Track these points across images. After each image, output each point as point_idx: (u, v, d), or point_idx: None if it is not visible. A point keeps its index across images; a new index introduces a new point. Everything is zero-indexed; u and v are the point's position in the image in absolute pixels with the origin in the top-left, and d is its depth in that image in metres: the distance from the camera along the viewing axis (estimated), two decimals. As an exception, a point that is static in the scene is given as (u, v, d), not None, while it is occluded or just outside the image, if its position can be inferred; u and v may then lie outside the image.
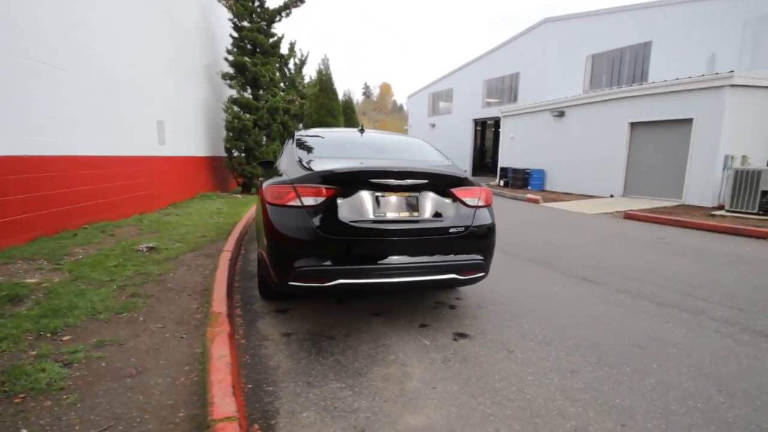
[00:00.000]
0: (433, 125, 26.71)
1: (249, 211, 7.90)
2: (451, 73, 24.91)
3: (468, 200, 2.86)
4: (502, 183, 16.97)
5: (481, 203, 2.92)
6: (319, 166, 2.73)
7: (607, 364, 2.49)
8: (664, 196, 11.99)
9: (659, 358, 2.59)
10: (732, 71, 10.78)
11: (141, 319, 2.80)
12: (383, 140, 3.89)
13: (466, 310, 3.33)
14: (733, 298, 3.80)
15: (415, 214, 2.72)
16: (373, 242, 2.61)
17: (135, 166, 6.75)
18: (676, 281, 4.30)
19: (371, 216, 2.63)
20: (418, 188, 2.73)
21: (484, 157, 25.09)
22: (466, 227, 2.80)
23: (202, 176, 9.86)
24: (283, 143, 15.14)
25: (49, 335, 2.43)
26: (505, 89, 21.61)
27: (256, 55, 10.19)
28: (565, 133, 15.15)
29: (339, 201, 2.59)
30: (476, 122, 23.79)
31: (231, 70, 10.18)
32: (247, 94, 10.26)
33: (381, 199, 2.66)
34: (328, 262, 2.56)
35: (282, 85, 11.22)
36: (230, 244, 4.88)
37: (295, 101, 11.27)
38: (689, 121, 11.39)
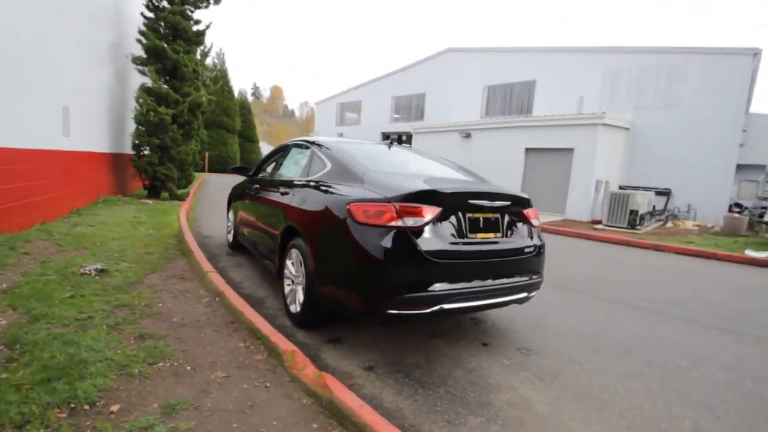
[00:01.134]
0: (341, 135, 26.69)
1: (180, 221, 6.77)
2: (361, 86, 25.40)
3: (533, 221, 2.99)
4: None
5: (539, 223, 3.08)
6: (411, 184, 2.54)
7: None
8: (552, 211, 14.18)
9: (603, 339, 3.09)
10: (604, 112, 13.47)
11: (188, 368, 2.18)
12: (418, 156, 3.77)
13: (493, 323, 3.44)
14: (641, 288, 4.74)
15: (498, 235, 2.73)
16: (471, 264, 2.53)
17: (33, 163, 5.19)
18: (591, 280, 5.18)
19: (466, 238, 2.55)
20: (501, 210, 2.75)
21: None
22: (536, 247, 2.92)
23: (104, 177, 8.07)
24: (201, 144, 13.25)
25: (87, 407, 1.72)
26: (413, 107, 22.94)
27: (177, 42, 8.83)
28: (471, 153, 16.77)
29: (441, 222, 2.45)
30: (384, 135, 24.64)
31: (143, 55, 8.62)
32: (165, 85, 8.81)
33: (472, 220, 2.60)
34: (432, 287, 2.39)
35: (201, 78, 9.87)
36: (207, 264, 4.12)
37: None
38: (571, 150, 13.75)
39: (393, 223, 2.34)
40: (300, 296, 2.92)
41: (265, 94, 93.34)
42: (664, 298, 4.63)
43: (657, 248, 8.45)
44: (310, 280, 2.74)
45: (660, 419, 2.16)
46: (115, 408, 1.74)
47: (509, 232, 2.81)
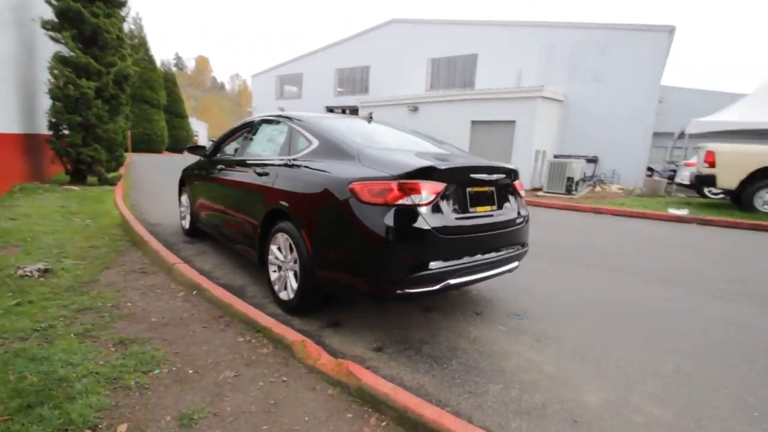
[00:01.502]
0: (282, 109, 25.39)
1: (120, 208, 6.07)
2: (301, 58, 24.11)
3: (521, 191, 3.06)
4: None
5: (524, 193, 3.16)
6: (414, 160, 2.44)
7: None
8: (498, 182, 14.86)
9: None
10: (542, 86, 14.14)
11: (189, 371, 1.97)
12: (396, 130, 3.63)
13: (478, 292, 3.56)
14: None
15: (494, 208, 2.76)
16: (473, 239, 2.54)
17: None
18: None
19: (468, 212, 2.54)
20: (496, 183, 2.77)
21: None
22: (524, 217, 3.00)
23: (16, 162, 6.93)
24: (126, 118, 11.77)
25: None
26: (357, 80, 22.38)
27: (95, 4, 7.61)
28: (419, 126, 16.83)
29: (445, 198, 2.41)
30: (328, 109, 23.87)
31: (55, 19, 7.35)
32: (85, 54, 7.63)
33: (472, 194, 2.59)
34: (440, 264, 2.36)
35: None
36: (170, 255, 3.73)
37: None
38: (513, 122, 14.36)
39: (400, 202, 2.26)
40: (293, 282, 2.76)
41: (190, 65, 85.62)
42: (623, 258, 5.09)
43: (596, 211, 9.23)
44: (306, 265, 2.58)
45: (648, 366, 2.38)
46: (123, 428, 1.52)
47: (502, 205, 2.85)
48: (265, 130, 3.62)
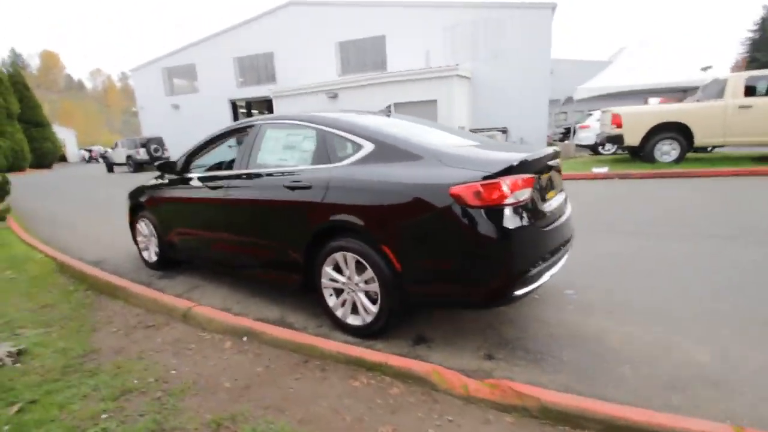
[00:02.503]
0: (177, 106, 22.50)
1: (43, 248, 4.82)
2: (192, 46, 21.36)
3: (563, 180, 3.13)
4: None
5: None
6: (506, 155, 2.30)
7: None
8: (426, 161, 15.33)
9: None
10: (457, 64, 14.76)
11: (341, 439, 1.63)
12: (419, 123, 3.39)
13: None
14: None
15: (555, 193, 2.76)
16: (555, 229, 2.52)
17: None
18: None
19: (546, 201, 2.50)
20: (555, 168, 2.77)
21: None
22: (567, 197, 3.09)
23: None
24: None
25: None
26: (261, 68, 20.77)
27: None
28: (340, 113, 16.43)
29: (534, 190, 2.33)
30: (234, 103, 21.87)
31: None
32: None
33: (543, 183, 2.55)
34: (542, 261, 2.31)
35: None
36: (174, 299, 3.07)
37: None
38: (434, 101, 14.85)
39: (506, 201, 2.13)
40: (367, 304, 2.47)
41: (33, 62, 71.02)
42: (592, 217, 5.62)
43: (531, 179, 10.05)
44: (391, 283, 2.32)
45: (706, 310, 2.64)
46: None
47: (559, 189, 2.88)
48: (275, 137, 3.11)
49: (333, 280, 2.61)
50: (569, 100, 17.95)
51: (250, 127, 3.31)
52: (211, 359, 2.34)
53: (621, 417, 1.59)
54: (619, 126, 9.45)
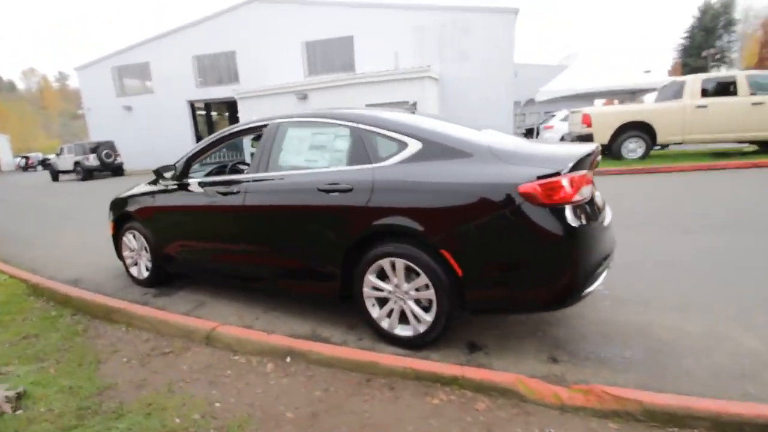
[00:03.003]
0: (129, 108, 20.93)
1: (11, 271, 4.22)
2: (146, 43, 19.89)
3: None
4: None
5: None
6: (567, 151, 2.23)
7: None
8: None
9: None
10: (429, 66, 14.86)
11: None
12: (445, 120, 3.26)
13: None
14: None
15: (595, 191, 2.73)
16: (608, 226, 2.48)
17: None
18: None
19: (593, 196, 2.47)
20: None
21: None
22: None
23: None
24: None
25: None
26: (222, 68, 19.83)
27: None
28: (310, 115, 16.03)
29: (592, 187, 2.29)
30: (194, 105, 20.73)
31: None
32: None
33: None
34: (603, 259, 2.26)
35: None
36: (196, 321, 2.75)
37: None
38: (407, 103, 14.84)
39: (575, 198, 2.06)
40: (420, 313, 2.31)
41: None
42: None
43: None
44: (447, 289, 2.18)
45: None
46: None
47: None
48: (299, 136, 2.87)
49: (376, 288, 2.43)
50: (530, 102, 18.69)
51: (264, 126, 3.05)
52: (256, 386, 2.09)
53: (729, 413, 1.55)
54: (589, 125, 9.88)
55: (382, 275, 2.42)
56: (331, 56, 18.67)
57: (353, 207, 2.39)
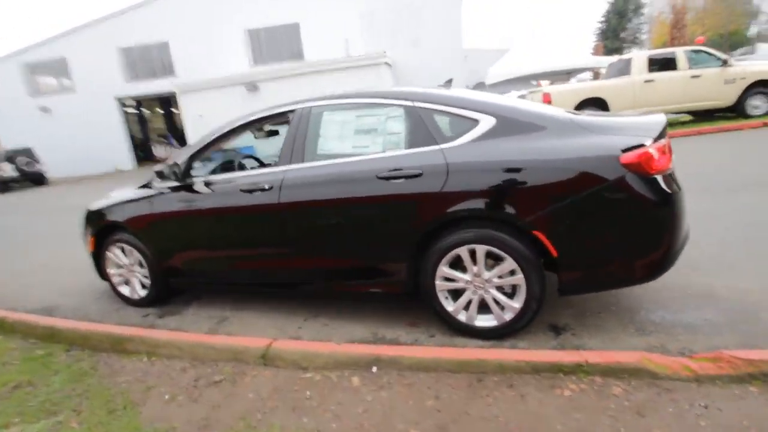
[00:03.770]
0: (47, 109, 18.35)
1: None
2: (63, 37, 17.45)
3: None
4: (210, 168, 14.94)
5: None
6: (648, 119, 2.15)
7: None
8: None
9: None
10: (385, 52, 14.58)
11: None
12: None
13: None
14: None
15: None
16: None
17: None
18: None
19: None
20: None
21: (146, 144, 20.18)
22: None
23: None
24: None
25: None
26: (155, 60, 18.04)
27: None
28: (263, 106, 15.11)
29: None
30: (120, 101, 18.66)
31: None
32: None
33: None
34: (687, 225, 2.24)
35: None
36: (248, 339, 2.36)
37: None
38: (364, 90, 14.54)
39: (670, 166, 2.01)
40: (506, 301, 2.15)
41: None
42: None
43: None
44: (538, 273, 2.05)
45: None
46: None
47: None
48: (338, 120, 2.54)
49: (450, 279, 2.24)
50: (479, 85, 19.16)
51: (290, 112, 2.69)
52: (353, 405, 1.81)
53: None
54: (550, 103, 10.28)
55: (454, 264, 2.23)
56: (277, 44, 17.73)
57: (425, 194, 2.16)
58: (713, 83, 9.44)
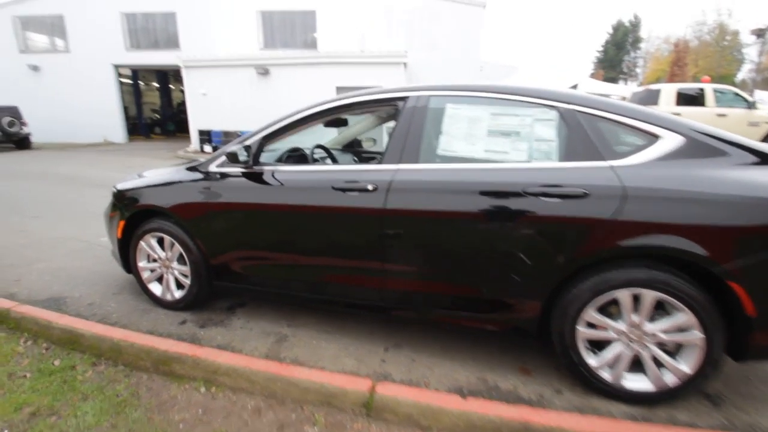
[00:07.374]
0: (36, 68, 17.08)
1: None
2: None
3: None
4: (209, 149, 14.18)
5: None
6: None
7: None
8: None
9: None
10: (406, 51, 14.14)
11: None
12: None
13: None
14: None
15: None
16: None
17: None
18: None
19: None
20: None
21: (141, 116, 19.04)
22: None
23: None
24: None
25: None
26: (159, 31, 17.06)
27: None
28: (270, 92, 14.48)
29: None
30: (117, 69, 17.57)
31: None
32: None
33: None
34: None
35: None
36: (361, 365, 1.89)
37: None
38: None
39: None
40: (669, 361, 1.76)
41: None
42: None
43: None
44: (720, 333, 1.68)
45: None
46: None
47: None
48: (468, 116, 2.09)
49: (595, 326, 1.83)
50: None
51: (401, 99, 2.24)
52: None
53: None
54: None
55: (602, 310, 1.83)
56: (291, 30, 17.06)
57: (589, 219, 1.75)
58: (738, 123, 9.43)
